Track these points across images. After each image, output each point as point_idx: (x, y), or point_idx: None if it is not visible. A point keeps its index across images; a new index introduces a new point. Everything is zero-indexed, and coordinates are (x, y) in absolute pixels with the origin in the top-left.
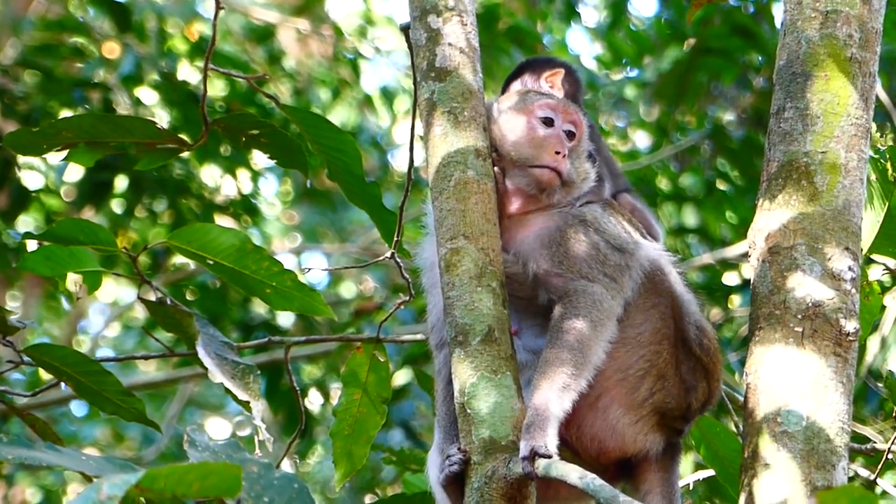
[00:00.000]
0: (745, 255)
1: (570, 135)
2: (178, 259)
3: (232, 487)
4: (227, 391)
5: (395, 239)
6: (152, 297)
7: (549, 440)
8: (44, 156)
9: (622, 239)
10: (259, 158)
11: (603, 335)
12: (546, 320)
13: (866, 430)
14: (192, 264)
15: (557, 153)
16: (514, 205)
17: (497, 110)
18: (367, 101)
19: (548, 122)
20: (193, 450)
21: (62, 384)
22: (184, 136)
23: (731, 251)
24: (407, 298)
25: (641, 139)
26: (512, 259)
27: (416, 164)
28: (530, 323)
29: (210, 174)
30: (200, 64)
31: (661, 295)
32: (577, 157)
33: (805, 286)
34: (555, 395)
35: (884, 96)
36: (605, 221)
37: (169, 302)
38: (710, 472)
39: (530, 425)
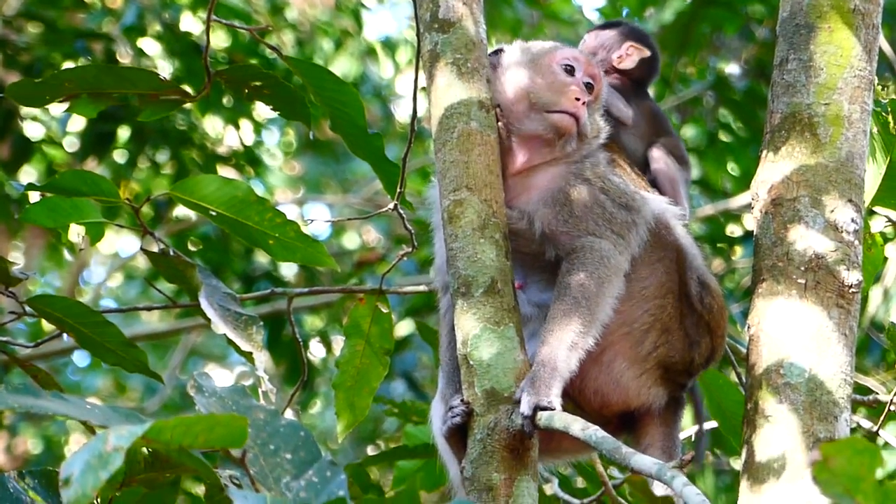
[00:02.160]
0: (748, 207)
1: (590, 88)
2: (181, 210)
3: (238, 438)
4: (230, 342)
5: (398, 190)
6: (155, 247)
7: (554, 396)
8: (46, 107)
9: (628, 195)
10: (262, 109)
11: (610, 291)
12: (552, 275)
13: (868, 382)
14: (194, 215)
15: (578, 100)
16: (520, 159)
17: (508, 60)
18: (369, 52)
19: (569, 70)
20: (200, 395)
21: (64, 335)
22: (186, 88)
23: (734, 202)
24: (410, 250)
25: None
26: (517, 216)
27: (419, 115)
28: (536, 278)
29: (213, 125)
30: (203, 15)
31: (666, 249)
32: (594, 111)
33: (808, 238)
34: (563, 352)
35: (887, 48)
36: (610, 177)
37: (171, 253)
38: (713, 424)
39: (535, 379)
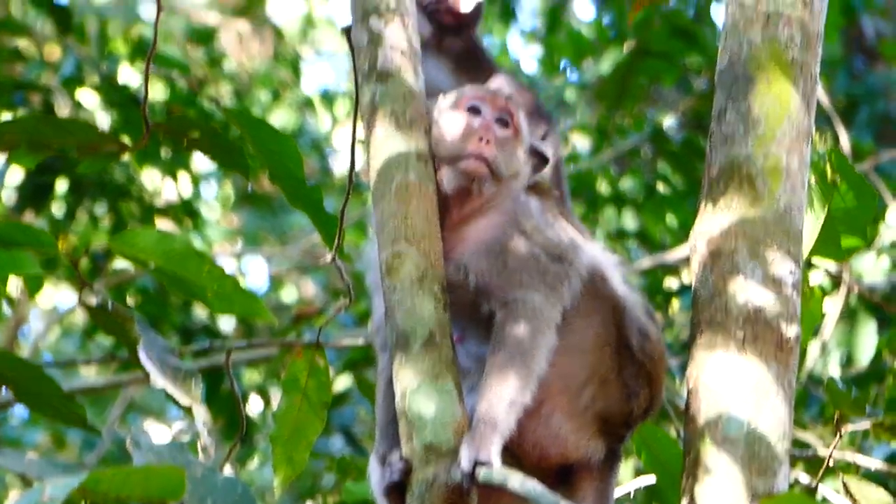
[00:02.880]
0: (686, 260)
1: (504, 122)
2: (120, 263)
3: (175, 490)
4: (169, 396)
5: (336, 242)
6: (93, 300)
7: (493, 451)
8: None
9: (561, 246)
10: (200, 162)
11: (545, 345)
12: (488, 327)
13: (807, 436)
14: (133, 268)
15: (481, 139)
16: (454, 210)
17: (434, 114)
18: (307, 104)
19: (475, 110)
20: (138, 451)
21: (2, 388)
22: (125, 139)
23: (672, 255)
24: (347, 302)
25: (581, 142)
26: (453, 269)
27: (357, 167)
28: (474, 331)
29: (151, 178)
30: (141, 66)
31: (602, 299)
32: (511, 147)
33: (746, 290)
34: (502, 408)
35: (825, 99)
36: (544, 227)
37: (110, 306)
38: (651, 479)
39: (475, 435)
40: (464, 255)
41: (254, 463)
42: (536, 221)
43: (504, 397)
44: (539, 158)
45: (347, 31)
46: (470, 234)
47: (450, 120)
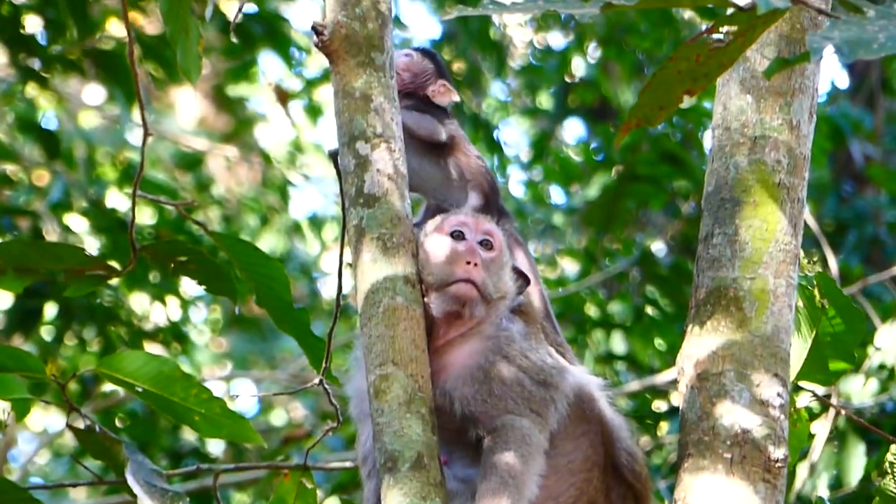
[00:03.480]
0: (674, 382)
1: (487, 245)
2: (108, 386)
3: None
4: None
5: (324, 366)
6: (81, 424)
7: None
8: None
9: (545, 371)
10: (188, 286)
11: (533, 469)
12: (476, 451)
13: None
14: (121, 391)
15: (468, 263)
16: (440, 333)
17: (420, 240)
18: (295, 229)
19: (458, 235)
20: None
21: None
22: (113, 263)
23: (660, 378)
24: (335, 425)
25: (570, 266)
26: (439, 395)
27: (344, 290)
28: (460, 453)
29: (139, 302)
30: (129, 191)
31: (590, 422)
32: (497, 268)
33: (734, 413)
34: None
35: (812, 222)
36: (528, 353)
37: (98, 429)
38: None
39: None
40: (447, 381)
41: None
42: (520, 346)
43: None
44: (522, 278)
45: (334, 156)
46: (454, 360)
47: (435, 244)
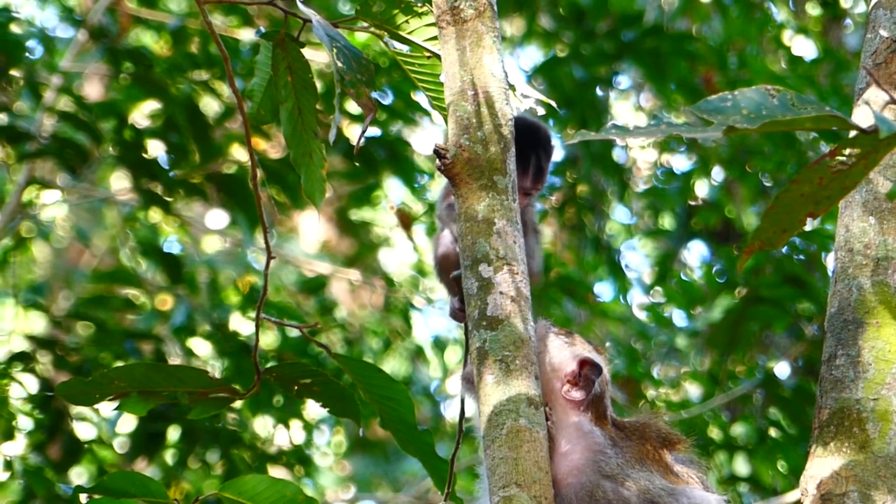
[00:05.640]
0: (798, 503)
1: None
2: None
3: None
4: None
5: (448, 490)
6: None
7: None
8: (96, 406)
9: (653, 493)
10: (312, 409)
11: None
12: None
13: None
14: None
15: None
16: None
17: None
18: (418, 352)
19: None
20: None
21: None
22: (236, 386)
23: (784, 500)
24: None
25: (693, 389)
26: None
27: (468, 412)
28: None
29: (263, 424)
30: (252, 314)
31: None
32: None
33: None
34: None
35: None
36: (628, 471)
37: None
38: None
39: None
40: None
41: None
42: (616, 462)
43: None
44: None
45: (457, 278)
46: (560, 478)
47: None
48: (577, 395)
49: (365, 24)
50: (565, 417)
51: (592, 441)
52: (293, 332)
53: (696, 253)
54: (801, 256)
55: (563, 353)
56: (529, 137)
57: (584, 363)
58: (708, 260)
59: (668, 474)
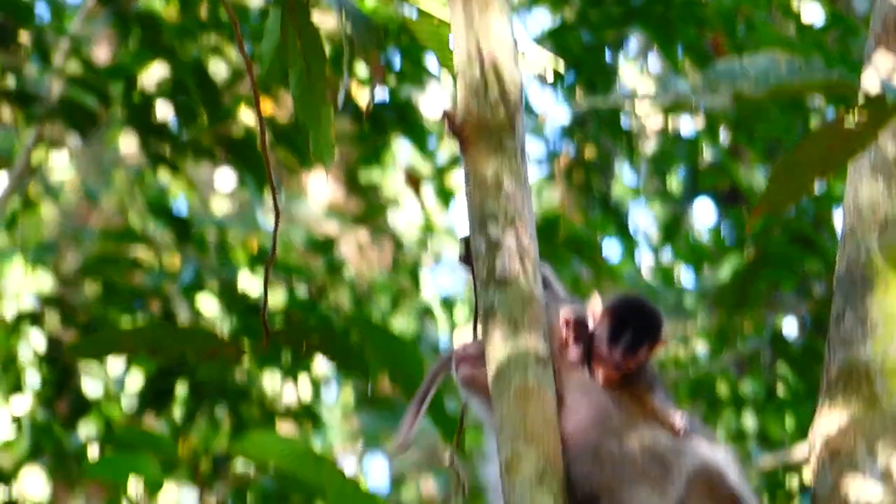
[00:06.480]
0: (806, 459)
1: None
2: (240, 465)
3: None
4: None
5: (455, 442)
6: (213, 502)
7: None
8: (104, 364)
9: (657, 450)
10: (320, 366)
11: None
12: None
13: None
14: (252, 470)
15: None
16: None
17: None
18: (427, 311)
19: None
20: None
21: None
22: (244, 345)
23: (793, 454)
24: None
25: (701, 346)
26: None
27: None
28: None
29: (271, 381)
30: (261, 273)
31: (719, 500)
32: None
33: (864, 488)
34: None
35: None
36: (638, 434)
37: None
38: None
39: None
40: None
41: None
42: (620, 417)
43: None
44: None
45: (466, 242)
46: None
47: None
48: (572, 354)
49: None
50: (569, 377)
51: (596, 399)
52: (302, 292)
53: (703, 214)
54: (811, 214)
55: (557, 314)
56: (629, 316)
57: (568, 322)
58: (716, 221)
59: (672, 431)
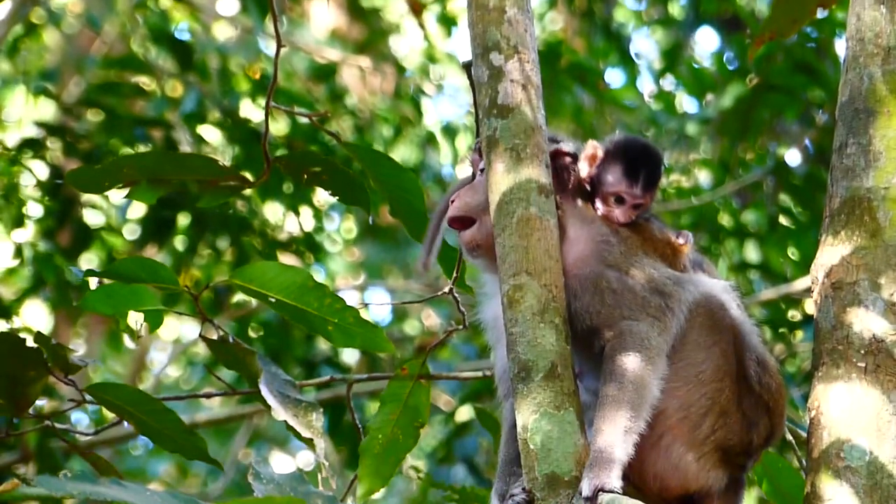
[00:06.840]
0: (808, 291)
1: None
2: (241, 296)
3: None
4: (290, 428)
5: (455, 274)
6: (215, 335)
7: (614, 479)
8: (106, 194)
9: (657, 281)
10: (322, 196)
11: (655, 372)
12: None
13: None
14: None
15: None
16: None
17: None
18: (429, 139)
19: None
20: (258, 482)
21: (125, 422)
22: (246, 174)
23: (795, 287)
24: (458, 328)
25: (703, 176)
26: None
27: None
28: (590, 365)
29: (273, 212)
30: (262, 102)
31: (721, 331)
32: None
33: (867, 321)
34: (618, 438)
35: None
36: (638, 265)
37: (231, 340)
38: None
39: (594, 464)
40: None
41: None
42: (619, 250)
43: (619, 426)
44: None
45: (468, 67)
46: (568, 269)
47: None
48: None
49: None
50: (570, 208)
51: (596, 231)
52: (303, 120)
53: (705, 42)
54: (813, 44)
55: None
56: (643, 155)
57: (556, 153)
58: (718, 48)
59: (673, 263)
